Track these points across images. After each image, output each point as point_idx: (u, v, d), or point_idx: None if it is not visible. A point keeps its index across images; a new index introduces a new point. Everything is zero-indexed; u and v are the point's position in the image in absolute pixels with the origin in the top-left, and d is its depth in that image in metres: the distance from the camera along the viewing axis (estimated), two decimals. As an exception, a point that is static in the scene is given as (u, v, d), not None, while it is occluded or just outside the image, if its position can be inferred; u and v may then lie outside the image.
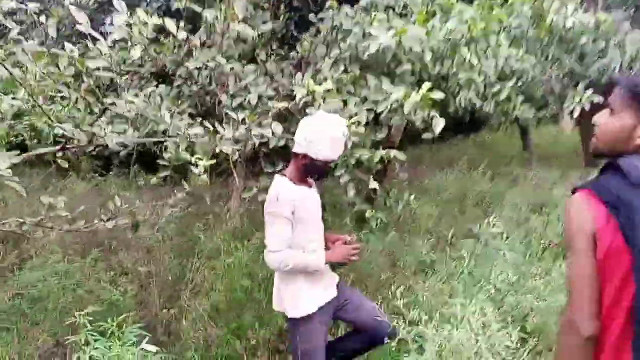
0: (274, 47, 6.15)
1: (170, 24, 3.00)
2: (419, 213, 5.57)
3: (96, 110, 3.34)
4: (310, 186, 2.77)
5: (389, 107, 3.64)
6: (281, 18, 7.08)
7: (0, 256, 4.54)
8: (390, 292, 3.64)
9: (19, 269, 4.29)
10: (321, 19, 4.96)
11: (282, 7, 7.11)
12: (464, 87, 4.22)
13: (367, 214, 3.98)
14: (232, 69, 4.83)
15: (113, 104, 2.72)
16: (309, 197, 2.69)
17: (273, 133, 3.31)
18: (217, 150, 3.29)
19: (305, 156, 2.59)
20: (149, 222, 3.55)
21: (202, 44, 4.45)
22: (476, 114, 6.37)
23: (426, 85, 3.35)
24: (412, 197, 4.42)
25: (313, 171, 2.67)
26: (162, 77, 5.79)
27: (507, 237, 4.90)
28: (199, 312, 3.66)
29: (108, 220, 3.46)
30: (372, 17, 4.02)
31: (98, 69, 2.82)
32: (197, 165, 3.49)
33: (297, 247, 2.62)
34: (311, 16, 5.43)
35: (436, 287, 3.96)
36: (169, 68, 5.47)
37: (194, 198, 5.03)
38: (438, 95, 3.37)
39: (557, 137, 14.94)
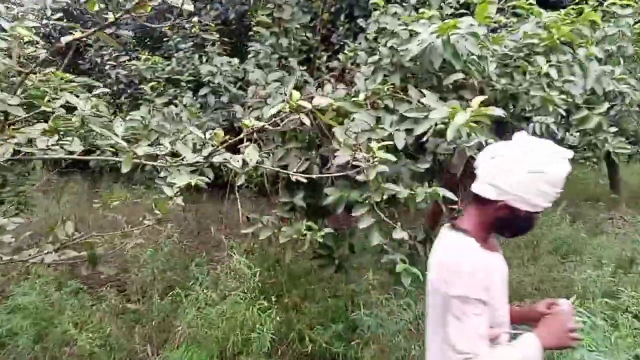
0: (324, 58, 5.32)
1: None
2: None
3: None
4: (496, 250, 1.78)
5: (432, 127, 2.62)
6: (340, 28, 6.28)
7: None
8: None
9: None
10: (369, 24, 4.04)
11: (342, 16, 6.30)
12: (540, 109, 3.12)
13: (398, 268, 2.93)
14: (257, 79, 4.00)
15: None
16: (500, 269, 1.73)
17: (244, 161, 2.38)
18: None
19: (505, 206, 1.64)
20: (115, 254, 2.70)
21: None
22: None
23: (478, 98, 2.30)
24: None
25: (511, 226, 1.71)
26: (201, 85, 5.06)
27: (583, 304, 3.68)
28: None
29: (57, 251, 2.67)
30: (419, 14, 3.03)
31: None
32: (171, 186, 2.66)
33: None
34: (360, 21, 4.53)
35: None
36: (204, 77, 4.70)
37: (198, 224, 4.19)
38: (496, 112, 2.32)
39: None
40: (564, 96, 2.94)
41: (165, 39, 6.05)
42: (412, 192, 2.80)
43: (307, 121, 2.23)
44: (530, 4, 3.50)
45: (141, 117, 3.68)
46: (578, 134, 3.88)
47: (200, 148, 2.43)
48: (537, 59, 2.91)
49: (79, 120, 2.45)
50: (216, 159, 2.35)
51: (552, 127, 3.54)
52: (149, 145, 3.16)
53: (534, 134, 3.64)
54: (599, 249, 5.89)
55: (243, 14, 7.02)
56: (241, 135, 2.28)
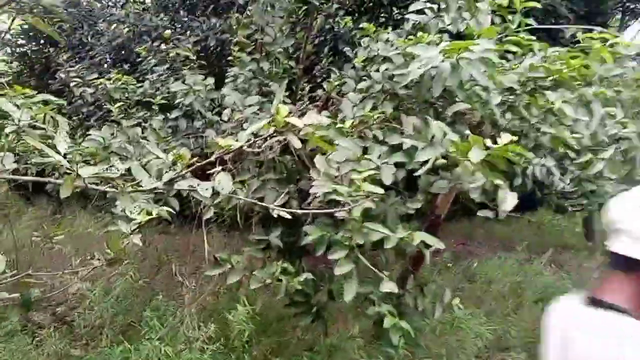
0: (307, 89, 5.01)
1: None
2: (465, 326, 3.90)
3: None
4: None
5: (433, 160, 2.24)
6: (323, 61, 6.02)
7: None
8: None
9: None
10: (357, 53, 3.71)
11: (326, 49, 6.05)
12: (545, 149, 2.78)
13: (386, 323, 2.50)
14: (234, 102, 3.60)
15: None
16: None
17: (214, 189, 1.98)
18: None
19: None
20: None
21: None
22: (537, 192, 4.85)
23: (507, 136, 1.96)
24: (457, 300, 2.88)
25: None
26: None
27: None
28: None
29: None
30: (418, 38, 2.70)
31: None
32: (129, 221, 2.21)
33: None
34: (346, 50, 4.22)
35: None
36: (178, 98, 4.26)
37: (159, 260, 3.68)
38: (528, 154, 1.98)
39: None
40: (577, 135, 2.61)
41: (139, 60, 5.66)
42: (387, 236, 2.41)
43: (297, 143, 1.84)
44: (530, 39, 3.22)
45: (102, 137, 3.25)
46: (575, 180, 3.57)
47: (165, 173, 2.00)
48: (548, 94, 2.58)
49: (14, 132, 2.02)
50: (180, 186, 1.92)
51: (554, 170, 3.22)
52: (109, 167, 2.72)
53: (533, 177, 3.31)
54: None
55: (224, 42, 6.72)
56: (212, 158, 1.87)
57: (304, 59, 5.05)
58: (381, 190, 2.12)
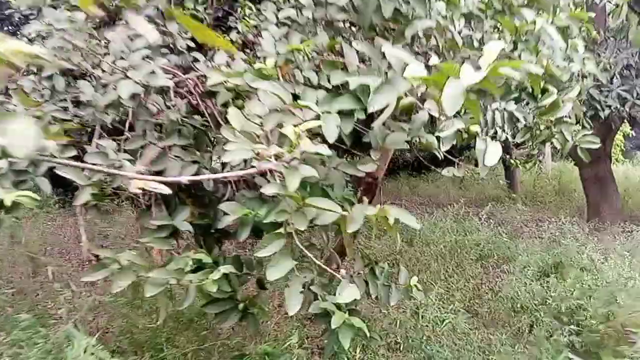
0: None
1: None
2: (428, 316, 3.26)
3: None
4: None
5: (394, 104, 1.51)
6: (240, 10, 5.11)
7: None
8: None
9: None
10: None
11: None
12: (518, 86, 2.14)
13: (335, 322, 1.80)
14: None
15: None
16: None
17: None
18: None
19: None
20: None
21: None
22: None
23: (495, 45, 1.26)
24: (415, 279, 2.22)
25: None
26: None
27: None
28: None
29: None
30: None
31: None
32: None
33: None
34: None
35: None
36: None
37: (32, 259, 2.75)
38: (532, 68, 1.30)
39: (536, 174, 12.95)
40: (561, 64, 1.98)
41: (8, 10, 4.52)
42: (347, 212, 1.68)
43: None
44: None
45: None
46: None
47: None
48: (524, 12, 1.91)
49: None
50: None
51: (517, 114, 2.60)
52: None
53: (492, 124, 2.69)
54: (524, 255, 5.17)
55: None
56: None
57: (213, 3, 4.16)
58: (328, 151, 1.38)
